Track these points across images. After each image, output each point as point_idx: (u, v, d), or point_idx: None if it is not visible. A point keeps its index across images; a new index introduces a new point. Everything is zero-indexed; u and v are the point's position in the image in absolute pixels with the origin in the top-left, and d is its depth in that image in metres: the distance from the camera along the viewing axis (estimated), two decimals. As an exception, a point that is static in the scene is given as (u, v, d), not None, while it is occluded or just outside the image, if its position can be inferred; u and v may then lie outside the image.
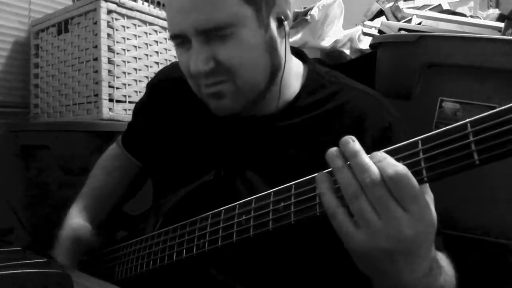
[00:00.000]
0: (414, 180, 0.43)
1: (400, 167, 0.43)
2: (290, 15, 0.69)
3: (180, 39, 0.67)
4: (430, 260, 0.48)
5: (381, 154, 0.45)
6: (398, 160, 0.45)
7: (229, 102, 0.68)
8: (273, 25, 0.68)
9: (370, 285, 0.56)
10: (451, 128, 0.43)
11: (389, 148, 0.47)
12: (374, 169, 0.44)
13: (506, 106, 0.40)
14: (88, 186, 0.93)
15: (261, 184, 0.67)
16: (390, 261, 0.45)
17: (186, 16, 0.63)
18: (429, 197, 0.62)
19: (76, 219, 0.86)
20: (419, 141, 0.45)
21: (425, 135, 0.45)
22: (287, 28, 0.70)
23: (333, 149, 0.47)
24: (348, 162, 0.46)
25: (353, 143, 0.46)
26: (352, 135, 0.53)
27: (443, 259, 0.58)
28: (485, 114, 0.41)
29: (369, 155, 0.46)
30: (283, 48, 0.70)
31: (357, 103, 0.70)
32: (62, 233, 0.84)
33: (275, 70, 0.70)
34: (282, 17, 0.68)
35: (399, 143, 0.50)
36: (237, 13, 0.62)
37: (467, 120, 0.42)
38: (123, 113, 1.41)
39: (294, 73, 0.75)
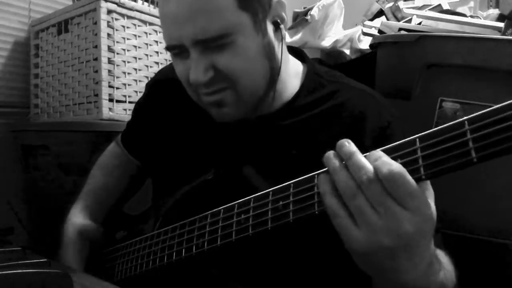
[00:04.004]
0: (409, 177, 0.43)
1: (394, 166, 0.43)
2: (286, 17, 0.69)
3: (177, 50, 0.66)
4: (430, 256, 0.48)
5: (377, 153, 0.46)
6: (396, 158, 0.45)
7: (230, 110, 0.68)
8: (270, 29, 0.67)
9: (369, 284, 0.56)
10: (449, 126, 0.43)
11: (387, 146, 0.47)
12: (370, 167, 0.44)
13: (503, 104, 0.40)
14: (88, 186, 0.93)
15: (261, 183, 0.67)
16: (391, 258, 0.45)
17: (182, 27, 0.62)
18: (429, 193, 0.62)
19: (80, 218, 0.86)
20: (417, 139, 0.45)
21: (423, 133, 0.45)
22: (283, 31, 0.70)
23: (330, 152, 0.48)
24: (345, 163, 0.47)
25: (349, 145, 0.46)
26: (351, 134, 0.53)
27: (442, 255, 0.58)
28: (482, 112, 0.41)
29: (365, 154, 0.46)
30: (280, 51, 0.70)
31: (356, 102, 0.71)
32: (67, 233, 0.84)
33: (274, 74, 0.70)
34: (278, 21, 0.68)
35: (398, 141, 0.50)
36: (234, 21, 0.62)
37: (465, 118, 0.42)
38: (123, 113, 1.41)
39: (293, 73, 0.75)
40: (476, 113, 0.41)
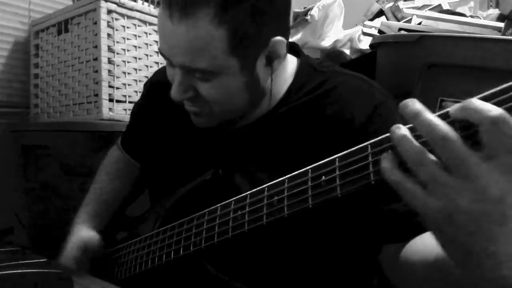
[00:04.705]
0: (508, 126, 0.35)
1: (494, 111, 0.36)
2: (283, 53, 0.68)
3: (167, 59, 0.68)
4: None
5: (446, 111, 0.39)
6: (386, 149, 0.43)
7: (204, 120, 0.72)
8: (261, 65, 0.67)
9: (365, 278, 0.57)
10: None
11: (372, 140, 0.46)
12: (442, 123, 0.37)
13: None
14: (95, 191, 0.93)
15: (260, 181, 0.68)
16: (478, 228, 0.36)
17: (172, 52, 0.63)
18: None
19: (86, 230, 0.86)
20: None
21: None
22: (275, 67, 0.68)
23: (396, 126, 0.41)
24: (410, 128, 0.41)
25: (412, 104, 0.39)
26: (343, 117, 0.52)
27: None
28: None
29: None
30: (269, 80, 0.70)
31: (347, 86, 0.70)
32: (71, 241, 0.84)
33: (255, 101, 0.72)
34: (272, 57, 0.67)
35: (390, 120, 0.48)
36: (222, 64, 0.62)
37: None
38: (123, 113, 1.41)
39: (289, 71, 0.75)
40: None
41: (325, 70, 0.74)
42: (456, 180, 0.37)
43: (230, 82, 0.65)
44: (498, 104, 0.37)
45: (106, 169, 0.96)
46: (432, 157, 0.38)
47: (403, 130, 0.40)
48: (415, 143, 0.39)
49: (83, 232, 0.86)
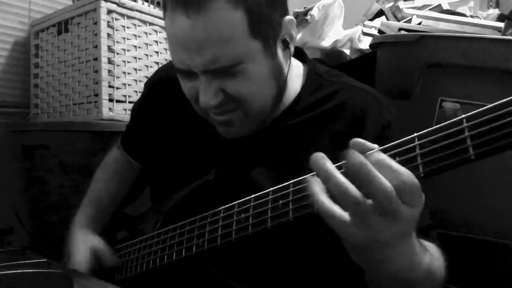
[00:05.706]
0: (414, 179, 0.42)
1: (405, 174, 0.42)
2: (295, 34, 0.69)
3: (185, 73, 0.66)
4: (414, 238, 0.49)
5: (379, 156, 0.44)
6: (394, 156, 0.45)
7: (237, 129, 0.70)
8: (279, 49, 0.67)
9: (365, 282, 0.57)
10: (447, 124, 0.43)
11: (386, 145, 0.47)
12: (381, 179, 0.42)
13: (500, 102, 0.40)
14: (92, 192, 0.92)
15: (262, 184, 0.68)
16: (389, 247, 0.45)
17: (192, 56, 0.62)
18: None
19: (92, 236, 0.85)
20: (416, 137, 0.45)
21: (422, 132, 0.45)
22: (292, 49, 0.70)
23: (321, 158, 0.45)
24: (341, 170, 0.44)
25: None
26: (352, 132, 0.53)
27: (431, 246, 0.59)
28: (480, 109, 0.41)
29: (366, 154, 0.44)
30: (287, 66, 0.71)
31: (357, 101, 0.71)
32: (79, 249, 0.82)
33: (281, 91, 0.71)
34: (288, 39, 0.68)
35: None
36: (245, 50, 0.62)
37: (463, 116, 0.42)
38: (123, 113, 1.41)
39: (295, 75, 0.75)
40: (474, 111, 0.41)
41: (335, 80, 0.74)
42: (381, 220, 0.43)
43: (257, 69, 0.64)
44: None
45: (103, 169, 0.96)
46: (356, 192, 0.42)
47: (328, 164, 0.44)
48: (341, 179, 0.43)
49: (92, 241, 0.84)
